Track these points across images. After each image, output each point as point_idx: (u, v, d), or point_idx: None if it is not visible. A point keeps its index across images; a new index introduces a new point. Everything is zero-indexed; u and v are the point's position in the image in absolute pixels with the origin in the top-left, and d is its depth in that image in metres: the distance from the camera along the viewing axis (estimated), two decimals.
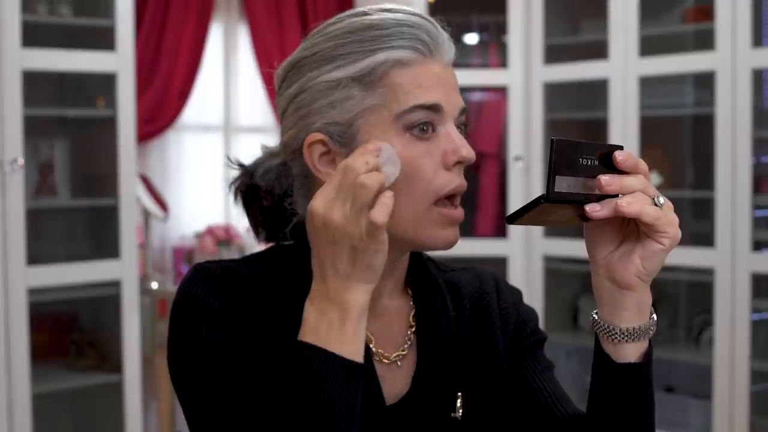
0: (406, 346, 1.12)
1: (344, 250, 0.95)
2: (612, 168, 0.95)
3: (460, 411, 1.10)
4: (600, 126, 4.07)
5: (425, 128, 1.03)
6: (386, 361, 1.11)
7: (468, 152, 1.04)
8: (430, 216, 1.04)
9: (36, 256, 3.39)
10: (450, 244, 1.06)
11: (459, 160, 1.04)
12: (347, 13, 1.09)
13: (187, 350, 1.03)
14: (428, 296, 1.14)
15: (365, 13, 1.07)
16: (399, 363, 1.11)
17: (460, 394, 1.11)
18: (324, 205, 0.95)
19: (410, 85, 1.03)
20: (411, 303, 1.15)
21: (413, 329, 1.13)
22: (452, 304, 1.17)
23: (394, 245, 1.02)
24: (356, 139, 1.04)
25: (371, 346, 1.10)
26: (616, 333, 1.01)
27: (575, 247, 4.15)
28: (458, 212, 1.06)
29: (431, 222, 1.04)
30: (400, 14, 1.06)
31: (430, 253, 1.23)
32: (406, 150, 1.03)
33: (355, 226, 0.94)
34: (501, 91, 4.25)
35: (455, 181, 1.04)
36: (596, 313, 1.04)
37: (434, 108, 1.03)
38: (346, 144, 1.05)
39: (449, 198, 1.05)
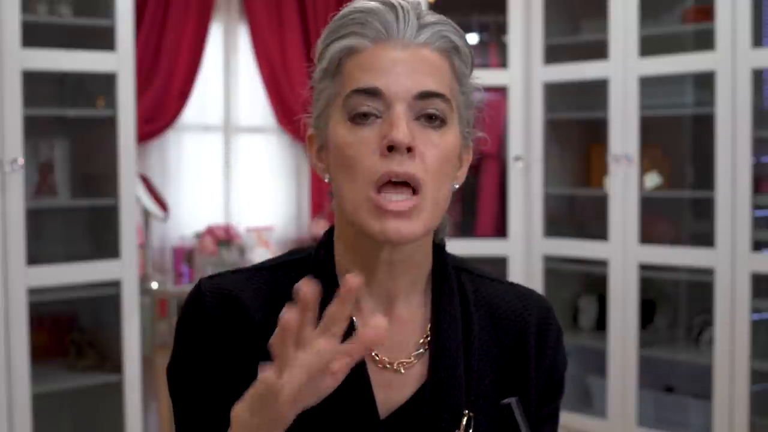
0: (413, 355, 1.09)
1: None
2: None
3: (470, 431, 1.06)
4: (600, 126, 4.07)
5: (365, 114, 1.01)
6: (388, 367, 1.08)
7: (401, 136, 0.98)
8: (366, 204, 1.01)
9: (36, 256, 3.39)
10: (386, 237, 1.00)
11: (389, 144, 0.99)
12: None
13: (172, 370, 1.10)
14: (447, 306, 1.10)
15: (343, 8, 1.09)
16: (402, 371, 1.08)
17: (467, 413, 1.07)
18: None
19: (355, 71, 1.03)
20: (430, 312, 1.11)
21: (428, 338, 1.09)
22: (478, 318, 1.12)
23: (361, 240, 1.04)
24: (325, 129, 1.06)
25: (373, 353, 1.07)
26: None
27: (575, 247, 4.15)
28: (392, 204, 0.99)
29: (365, 210, 1.01)
30: (360, 2, 1.06)
31: (463, 256, 1.18)
32: (343, 137, 1.02)
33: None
34: (501, 91, 4.26)
35: (387, 166, 0.99)
36: None
37: (371, 92, 1.01)
38: (322, 136, 1.07)
39: (393, 185, 1.00)
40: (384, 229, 1.00)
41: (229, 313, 1.07)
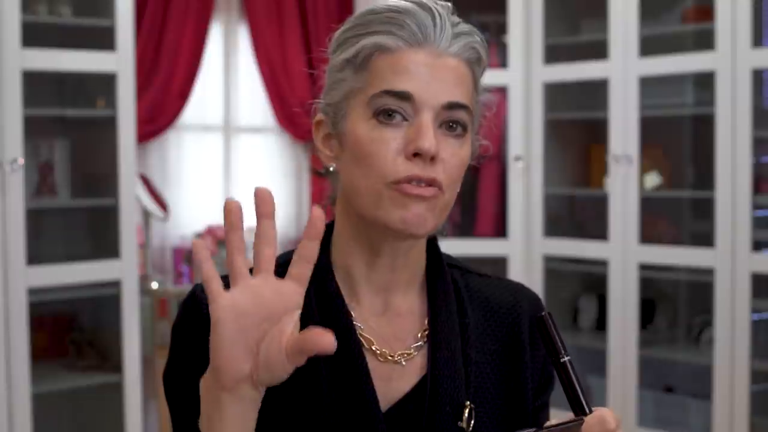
0: (413, 346, 1.10)
1: None
2: None
3: (472, 423, 1.07)
4: (600, 126, 4.07)
5: (390, 114, 1.02)
6: (389, 358, 1.09)
7: (428, 145, 1.00)
8: (387, 193, 1.02)
9: (36, 256, 3.39)
10: (407, 225, 1.02)
11: (416, 151, 1.01)
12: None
13: (168, 374, 1.09)
14: (444, 300, 1.12)
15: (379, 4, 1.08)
16: (403, 362, 1.09)
17: (469, 404, 1.08)
18: None
19: (386, 71, 1.03)
20: (427, 306, 1.13)
21: (426, 332, 1.11)
22: (472, 312, 1.14)
23: (369, 226, 1.06)
24: (342, 120, 1.06)
25: (373, 347, 1.09)
26: None
27: (575, 247, 4.15)
28: (417, 189, 1.02)
29: (388, 199, 1.02)
30: (396, 1, 1.06)
31: (455, 255, 1.21)
32: (366, 133, 1.03)
33: None
34: (501, 91, 4.26)
35: (411, 170, 1.01)
36: None
37: (403, 96, 1.02)
38: (336, 125, 1.07)
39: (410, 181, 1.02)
40: (406, 217, 1.02)
41: None
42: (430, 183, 1.02)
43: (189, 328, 1.07)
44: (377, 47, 1.04)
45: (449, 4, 1.08)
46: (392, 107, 1.02)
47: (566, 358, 0.99)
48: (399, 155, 1.02)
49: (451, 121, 1.04)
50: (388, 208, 1.03)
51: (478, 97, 1.10)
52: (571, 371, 0.98)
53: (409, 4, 1.05)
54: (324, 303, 1.08)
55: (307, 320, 1.07)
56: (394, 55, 1.03)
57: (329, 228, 1.14)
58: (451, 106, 1.04)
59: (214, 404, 0.92)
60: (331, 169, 1.09)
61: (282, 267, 1.13)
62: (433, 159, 1.02)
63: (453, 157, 1.04)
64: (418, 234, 1.04)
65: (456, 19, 1.07)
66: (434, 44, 1.04)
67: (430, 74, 1.03)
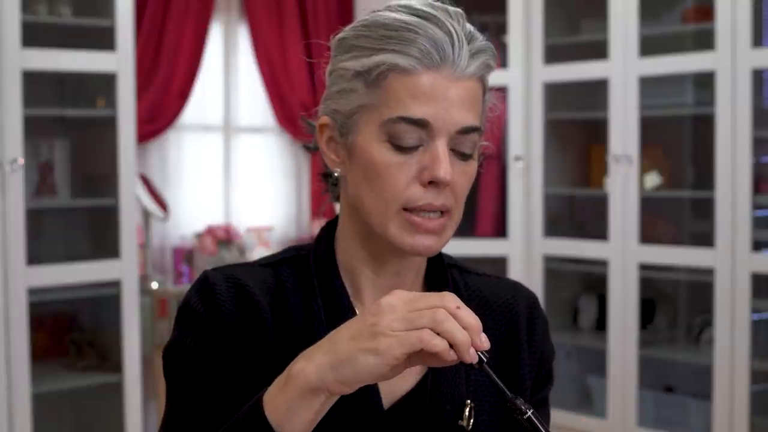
0: None
1: (362, 329, 0.91)
2: None
3: (471, 421, 1.08)
4: (600, 126, 4.07)
5: (409, 143, 1.02)
6: None
7: (444, 174, 1.01)
8: (398, 219, 1.03)
9: (36, 256, 3.39)
10: (416, 251, 1.04)
11: (431, 180, 1.02)
12: (386, 5, 1.08)
13: (172, 352, 1.09)
14: None
15: (389, 9, 1.05)
16: None
17: (469, 402, 1.09)
18: (398, 300, 0.92)
19: (403, 94, 1.01)
20: None
21: None
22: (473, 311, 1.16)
23: (376, 236, 1.06)
24: (352, 132, 1.05)
25: None
26: None
27: (575, 247, 4.15)
28: (427, 223, 1.03)
29: (398, 225, 1.03)
30: (411, 16, 1.02)
31: (455, 255, 1.22)
32: (381, 157, 1.02)
33: (394, 333, 0.90)
34: (501, 91, 4.24)
35: (425, 198, 1.02)
36: None
37: (419, 123, 1.01)
38: (345, 135, 1.06)
39: (423, 210, 1.03)
40: (415, 244, 1.04)
41: (241, 301, 1.07)
42: (442, 210, 1.03)
43: (201, 309, 1.07)
44: (393, 67, 1.01)
45: (460, 11, 1.05)
46: (408, 140, 1.02)
47: (529, 413, 0.95)
48: (414, 182, 1.02)
49: (464, 145, 1.04)
50: (398, 232, 1.04)
51: (485, 104, 1.09)
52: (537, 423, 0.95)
53: (423, 21, 1.02)
54: (329, 299, 1.09)
55: (311, 315, 1.08)
56: (411, 76, 1.01)
57: (333, 225, 1.14)
58: (466, 130, 1.04)
59: (309, 399, 0.92)
60: (337, 173, 1.09)
61: (279, 264, 1.13)
62: (447, 185, 1.03)
63: (462, 176, 1.05)
64: (427, 256, 1.07)
65: (470, 29, 1.04)
66: (452, 66, 1.02)
67: (447, 98, 1.02)
